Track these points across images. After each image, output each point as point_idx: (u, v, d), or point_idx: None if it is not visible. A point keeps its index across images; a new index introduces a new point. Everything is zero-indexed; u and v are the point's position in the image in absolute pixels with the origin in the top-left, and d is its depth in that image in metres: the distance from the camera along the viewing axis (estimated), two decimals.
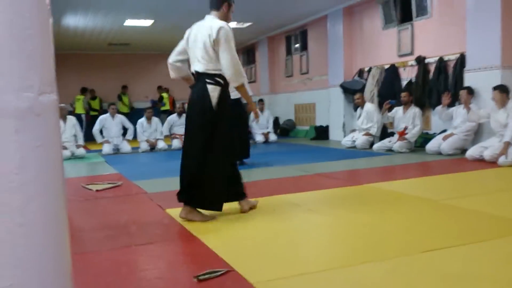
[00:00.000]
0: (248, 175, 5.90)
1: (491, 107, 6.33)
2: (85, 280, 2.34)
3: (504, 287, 2.07)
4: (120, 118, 9.98)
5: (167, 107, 14.60)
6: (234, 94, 7.38)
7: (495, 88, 6.15)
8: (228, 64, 3.30)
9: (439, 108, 7.26)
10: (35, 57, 1.17)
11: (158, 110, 14.00)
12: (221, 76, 3.37)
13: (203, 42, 3.36)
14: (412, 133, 7.50)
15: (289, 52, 13.16)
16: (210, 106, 3.33)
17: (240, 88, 3.45)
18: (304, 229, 3.31)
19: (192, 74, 3.54)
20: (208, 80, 3.35)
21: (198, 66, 3.41)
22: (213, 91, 3.34)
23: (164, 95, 14.84)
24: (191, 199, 3.42)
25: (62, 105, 9.12)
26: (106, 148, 9.43)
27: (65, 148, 8.75)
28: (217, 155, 3.38)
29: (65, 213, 1.33)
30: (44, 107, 1.19)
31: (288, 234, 3.15)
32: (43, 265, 1.25)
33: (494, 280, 2.15)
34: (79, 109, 14.28)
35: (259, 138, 10.83)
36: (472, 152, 6.20)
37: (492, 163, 5.78)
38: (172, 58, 3.66)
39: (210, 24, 3.38)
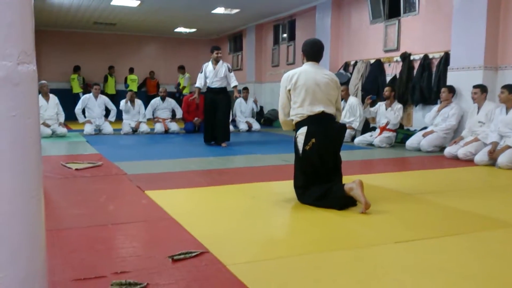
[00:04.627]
0: (229, 162, 5.93)
1: (471, 108, 6.44)
2: (60, 256, 2.34)
3: (468, 280, 2.14)
4: (104, 99, 9.93)
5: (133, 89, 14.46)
6: (219, 83, 7.44)
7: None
8: None
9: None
10: (14, 27, 1.15)
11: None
12: None
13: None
14: (393, 123, 7.60)
15: (276, 41, 13.13)
16: None
17: None
18: (280, 215, 3.36)
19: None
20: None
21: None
22: None
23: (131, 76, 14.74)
24: None
25: (43, 81, 8.98)
26: (88, 128, 9.38)
27: (47, 125, 8.65)
28: None
29: (40, 183, 1.33)
30: (23, 76, 1.18)
31: (265, 219, 3.19)
32: (15, 236, 1.25)
33: (459, 273, 2.21)
34: (76, 89, 14.07)
35: (242, 126, 10.84)
36: (450, 150, 6.30)
37: (468, 161, 5.89)
38: None
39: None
